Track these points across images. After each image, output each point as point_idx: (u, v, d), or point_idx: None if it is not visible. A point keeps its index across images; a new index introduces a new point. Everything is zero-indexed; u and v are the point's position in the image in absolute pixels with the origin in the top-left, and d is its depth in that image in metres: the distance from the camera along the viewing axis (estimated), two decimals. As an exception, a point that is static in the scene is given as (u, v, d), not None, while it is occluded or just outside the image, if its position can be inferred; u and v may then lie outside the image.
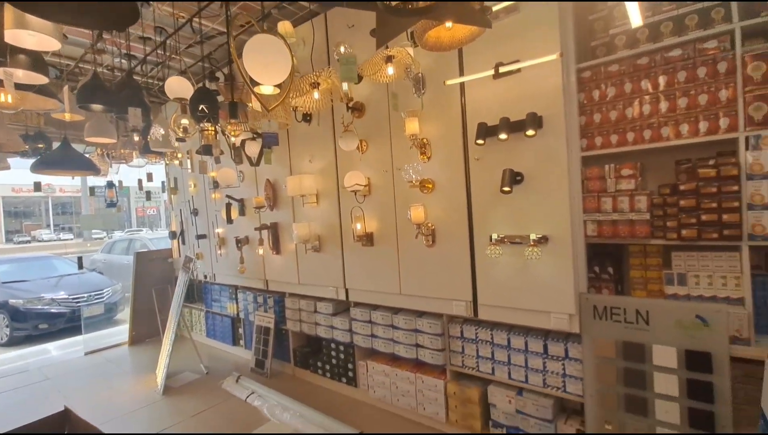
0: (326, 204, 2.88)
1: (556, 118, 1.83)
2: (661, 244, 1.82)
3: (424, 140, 2.27)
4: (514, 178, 1.90)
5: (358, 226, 2.58)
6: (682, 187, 1.72)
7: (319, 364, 3.17)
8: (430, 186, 2.28)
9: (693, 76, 1.67)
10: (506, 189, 1.87)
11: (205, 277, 4.20)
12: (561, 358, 1.98)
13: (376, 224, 2.59)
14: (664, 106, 1.74)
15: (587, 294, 1.88)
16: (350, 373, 2.95)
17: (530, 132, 1.80)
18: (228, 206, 3.43)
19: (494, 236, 2.04)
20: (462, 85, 2.11)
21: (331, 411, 2.71)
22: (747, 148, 1.55)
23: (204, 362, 3.60)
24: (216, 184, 3.57)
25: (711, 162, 1.65)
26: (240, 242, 3.45)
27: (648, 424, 1.70)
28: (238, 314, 3.85)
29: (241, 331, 3.91)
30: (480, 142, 1.95)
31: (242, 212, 3.49)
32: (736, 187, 1.58)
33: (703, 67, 1.64)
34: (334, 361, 3.06)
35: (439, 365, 2.43)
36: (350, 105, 2.47)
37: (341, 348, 3.00)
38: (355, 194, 2.56)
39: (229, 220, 3.40)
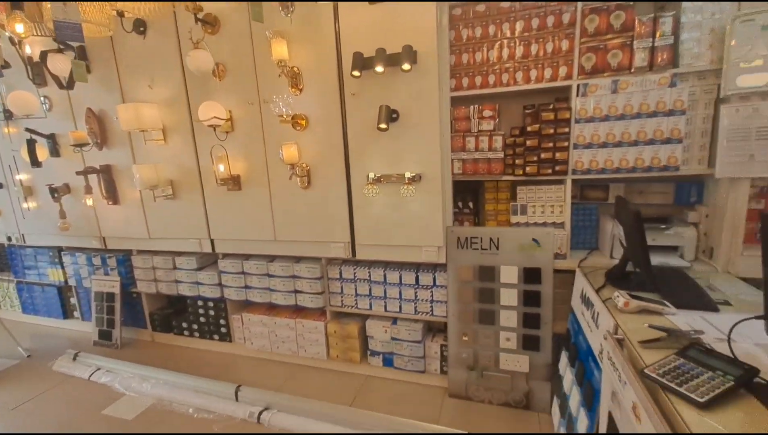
0: (178, 142, 2.41)
1: (430, 55, 1.82)
2: (511, 180, 2.07)
3: (295, 69, 2.02)
4: (390, 115, 1.86)
5: (221, 167, 2.25)
6: (528, 129, 1.95)
7: (185, 324, 2.85)
8: (303, 122, 2.09)
9: (544, 24, 1.83)
10: (383, 126, 1.83)
11: (9, 239, 3.22)
12: (430, 286, 2.17)
13: (243, 165, 2.30)
14: (519, 51, 1.89)
15: (453, 227, 2.05)
16: (223, 329, 2.74)
17: (406, 66, 1.75)
18: (31, 144, 2.58)
19: (371, 175, 2.02)
20: (336, 6, 1.90)
21: (205, 371, 2.50)
22: (577, 95, 1.82)
23: (23, 344, 2.87)
24: (9, 114, 2.63)
25: (551, 106, 1.90)
26: (57, 192, 2.68)
27: (494, 330, 2.03)
28: (66, 282, 3.11)
29: (73, 301, 3.20)
30: (356, 73, 1.83)
31: (55, 152, 2.68)
32: (567, 130, 1.87)
33: (551, 16, 1.81)
34: (203, 319, 2.78)
35: (318, 308, 2.43)
36: (199, 16, 2.01)
37: (210, 304, 2.74)
38: (215, 130, 2.19)
39: (35, 163, 2.58)
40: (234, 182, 2.30)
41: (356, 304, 2.36)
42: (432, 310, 2.20)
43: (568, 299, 2.06)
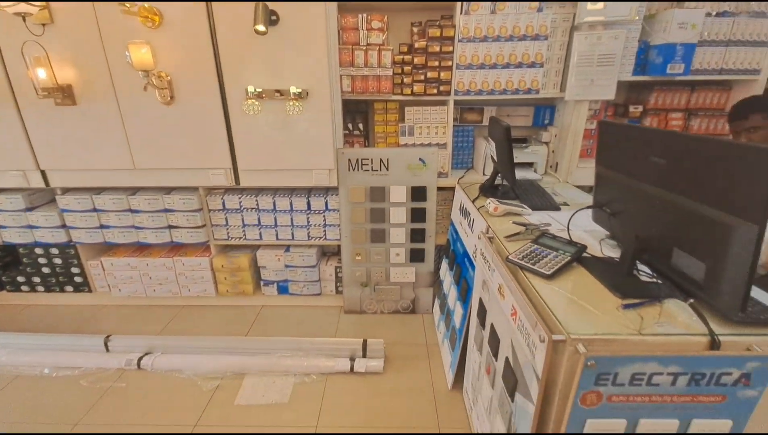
0: (-40, 33, 1.73)
1: (311, -55, 1.59)
2: (399, 100, 2.08)
3: (135, -59, 1.56)
4: (269, 16, 1.62)
5: (42, 73, 1.72)
6: (415, 45, 1.93)
7: (21, 278, 2.32)
8: (156, 17, 1.68)
9: (431, -71, 1.75)
10: (261, 28, 1.59)
11: None
12: (322, 211, 2.15)
13: (74, 72, 1.79)
14: (408, -42, 1.79)
15: (343, 149, 2.00)
16: (78, 278, 2.32)
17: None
18: None
19: (251, 90, 1.78)
20: None
21: (62, 328, 2.12)
22: (461, 13, 1.85)
23: None
24: None
25: (437, 23, 1.90)
26: None
27: (385, 247, 2.15)
28: None
29: None
30: (221, -43, 1.51)
31: None
32: (451, 49, 1.91)
33: None
34: (46, 269, 2.30)
35: (201, 243, 2.21)
36: None
37: (54, 251, 2.25)
38: (24, 20, 1.62)
39: None
40: (64, 94, 1.79)
41: (245, 235, 2.21)
42: (325, 235, 2.20)
43: (448, 214, 2.27)
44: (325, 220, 2.17)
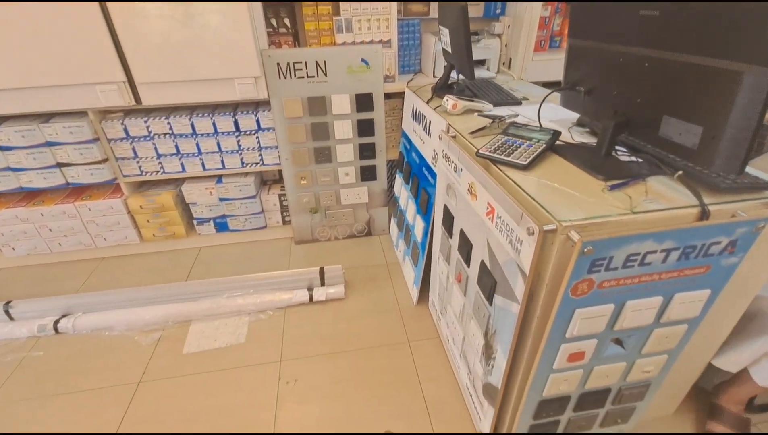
0: None
1: None
2: (331, -14, 1.71)
3: None
4: None
5: None
6: None
7: None
8: None
9: None
10: None
11: None
12: (253, 131, 1.83)
13: None
14: None
15: (269, 51, 1.65)
16: (-50, 241, 1.85)
17: None
18: None
19: (128, -35, 1.33)
20: None
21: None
22: None
23: None
24: None
25: None
26: None
27: (332, 167, 1.93)
28: None
29: None
30: None
31: None
32: None
33: None
34: None
35: (107, 182, 1.82)
36: None
37: None
38: None
39: None
40: None
41: (162, 168, 1.85)
42: (262, 160, 1.92)
43: (398, 125, 2.07)
44: (259, 142, 1.87)
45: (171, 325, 1.59)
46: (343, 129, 1.85)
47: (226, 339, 1.53)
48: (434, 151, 1.38)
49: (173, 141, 1.80)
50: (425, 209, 1.51)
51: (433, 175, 1.40)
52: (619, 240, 0.68)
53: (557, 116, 1.26)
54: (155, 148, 1.80)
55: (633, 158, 0.94)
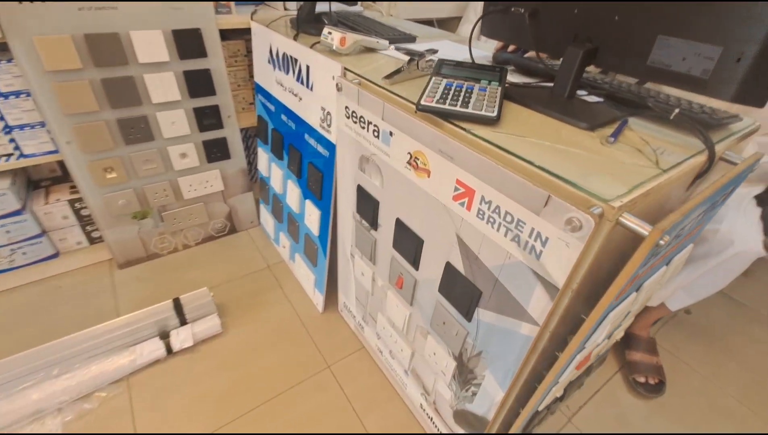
0: None
1: None
2: None
3: None
4: None
5: None
6: None
7: None
8: None
9: None
10: None
11: None
12: (-17, 99, 1.03)
13: None
14: None
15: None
16: None
17: None
18: None
19: None
20: None
21: None
22: None
23: None
24: None
25: None
26: None
27: (157, 147, 1.29)
28: None
29: None
30: None
31: None
32: None
33: None
34: None
35: None
36: None
37: None
38: None
39: None
40: None
41: None
42: (19, 148, 1.13)
43: (247, 79, 1.52)
44: (2, 117, 1.07)
45: None
46: (163, 87, 1.21)
47: (21, 474, 0.88)
48: (323, 110, 0.97)
49: None
50: (319, 193, 1.11)
51: (327, 145, 1.00)
52: (687, 215, 0.47)
53: (463, 54, 1.00)
54: None
55: (595, 98, 0.76)
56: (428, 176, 0.66)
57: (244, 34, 1.41)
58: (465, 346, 0.73)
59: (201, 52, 1.24)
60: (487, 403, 0.73)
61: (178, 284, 1.36)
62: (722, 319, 1.43)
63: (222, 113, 1.37)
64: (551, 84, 0.74)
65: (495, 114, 0.63)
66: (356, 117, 0.81)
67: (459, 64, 0.78)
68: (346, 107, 0.83)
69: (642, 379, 1.16)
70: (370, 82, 0.79)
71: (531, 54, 1.11)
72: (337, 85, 0.84)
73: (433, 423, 0.95)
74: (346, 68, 0.86)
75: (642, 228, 0.44)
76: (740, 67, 0.54)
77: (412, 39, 1.15)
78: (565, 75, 0.71)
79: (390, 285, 0.91)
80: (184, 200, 1.44)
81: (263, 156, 1.45)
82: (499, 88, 0.70)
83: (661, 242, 0.43)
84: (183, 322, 1.18)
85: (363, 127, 0.80)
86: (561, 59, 0.69)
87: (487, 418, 0.75)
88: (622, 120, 0.67)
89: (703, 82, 0.58)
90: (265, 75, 1.28)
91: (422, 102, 0.66)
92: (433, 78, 0.73)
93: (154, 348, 1.10)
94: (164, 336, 1.13)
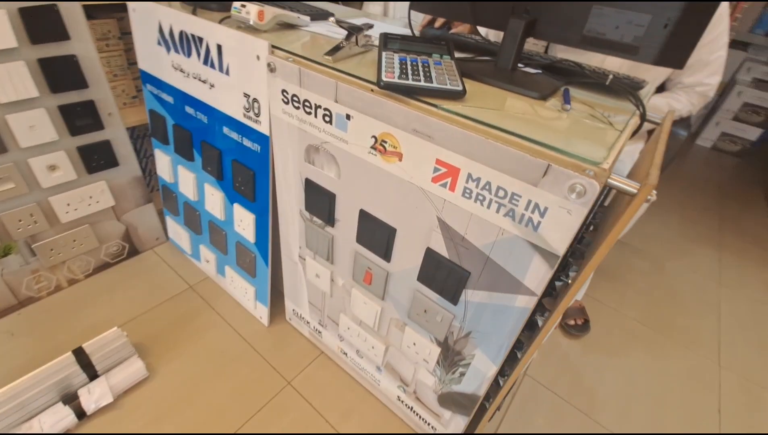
0: None
1: None
2: None
3: None
4: None
5: None
6: None
7: None
8: None
9: None
10: None
11: None
12: None
13: None
14: None
15: None
16: None
17: None
18: None
19: None
20: None
21: None
22: None
23: None
24: None
25: None
26: None
27: (13, 161, 0.98)
28: None
29: None
30: None
31: None
32: None
33: None
34: None
35: None
36: None
37: None
38: None
39: None
40: None
41: None
42: None
43: (127, 68, 1.26)
44: None
45: None
46: (12, 80, 0.92)
47: None
48: (247, 97, 0.83)
49: None
50: (251, 194, 0.97)
51: (257, 138, 0.87)
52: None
53: (386, 28, 0.96)
54: None
55: (533, 70, 0.79)
56: (399, 160, 0.61)
57: (115, 11, 1.15)
58: (451, 330, 0.71)
59: (61, 34, 0.96)
60: (477, 380, 0.73)
61: (73, 330, 1.08)
62: (614, 257, 1.70)
63: (100, 110, 1.10)
64: (488, 58, 0.75)
65: (461, 87, 0.60)
66: (298, 101, 0.71)
67: (404, 39, 0.73)
68: (284, 91, 0.73)
69: (572, 322, 1.32)
70: (310, 60, 0.70)
71: (459, 29, 1.12)
72: (269, 65, 0.72)
73: (414, 412, 0.93)
74: (274, 46, 0.75)
75: (630, 186, 0.47)
76: (666, 33, 0.60)
77: (329, 14, 1.06)
78: (509, 47, 0.71)
79: (354, 283, 0.85)
80: (62, 225, 1.14)
81: (163, 159, 1.22)
82: (453, 62, 0.68)
83: (650, 198, 0.46)
84: (93, 375, 0.94)
85: (308, 113, 0.71)
86: (494, 33, 0.69)
87: (477, 394, 0.75)
88: (564, 89, 0.71)
89: (635, 49, 0.63)
90: (155, 60, 1.05)
91: (384, 78, 0.60)
92: (384, 53, 0.67)
93: (60, 417, 0.86)
94: (70, 399, 0.89)
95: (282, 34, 0.85)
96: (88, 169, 1.13)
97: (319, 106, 0.68)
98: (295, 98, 0.71)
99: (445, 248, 0.63)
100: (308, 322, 1.10)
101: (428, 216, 0.63)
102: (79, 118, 1.07)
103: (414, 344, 0.80)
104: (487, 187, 0.53)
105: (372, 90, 0.61)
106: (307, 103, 0.70)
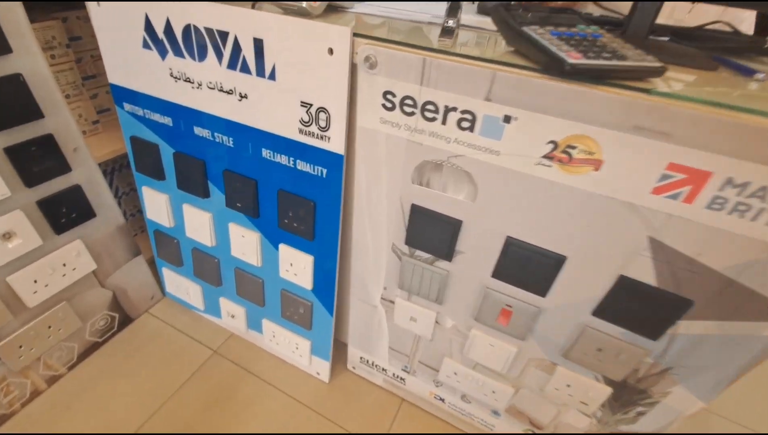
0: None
1: None
2: None
3: None
4: None
5: None
6: None
7: None
8: None
9: None
10: None
11: None
12: None
13: None
14: None
15: None
16: None
17: None
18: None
19: None
20: None
21: None
22: None
23: None
24: None
25: None
26: None
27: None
28: None
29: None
30: None
31: None
32: None
33: None
34: None
35: None
36: None
37: None
38: None
39: None
40: None
41: None
42: None
43: (80, 85, 0.96)
44: None
45: None
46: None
47: None
48: (306, 106, 0.62)
49: None
50: (308, 231, 0.75)
51: (324, 159, 0.66)
52: None
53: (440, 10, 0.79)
54: None
55: (662, 38, 0.66)
56: (595, 169, 0.45)
57: (54, 9, 0.85)
58: (635, 368, 0.58)
59: (-6, 44, 0.66)
60: (664, 419, 0.61)
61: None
62: None
63: (62, 146, 0.80)
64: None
65: (658, 63, 0.46)
66: (413, 105, 0.52)
67: (527, 9, 0.56)
68: (388, 93, 0.53)
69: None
70: (435, 51, 0.51)
71: None
72: (367, 58, 0.52)
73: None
74: (356, 34, 0.54)
75: None
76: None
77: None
78: (648, 9, 0.58)
79: (477, 323, 0.68)
80: (30, 310, 0.83)
81: (157, 198, 0.94)
82: (611, 34, 0.52)
83: None
84: None
85: (431, 119, 0.52)
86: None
87: (658, 434, 0.63)
88: (719, 58, 0.60)
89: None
90: (139, 70, 0.78)
91: (569, 60, 0.43)
92: (534, 28, 0.50)
93: None
94: None
95: (331, 18, 0.64)
96: (55, 228, 0.83)
97: (453, 109, 0.50)
98: (408, 101, 0.52)
99: (654, 274, 0.49)
100: (384, 370, 0.91)
101: (632, 237, 0.48)
102: (36, 161, 0.76)
103: (568, 386, 0.65)
104: (759, 193, 0.39)
105: (551, 79, 0.44)
106: (429, 107, 0.51)
